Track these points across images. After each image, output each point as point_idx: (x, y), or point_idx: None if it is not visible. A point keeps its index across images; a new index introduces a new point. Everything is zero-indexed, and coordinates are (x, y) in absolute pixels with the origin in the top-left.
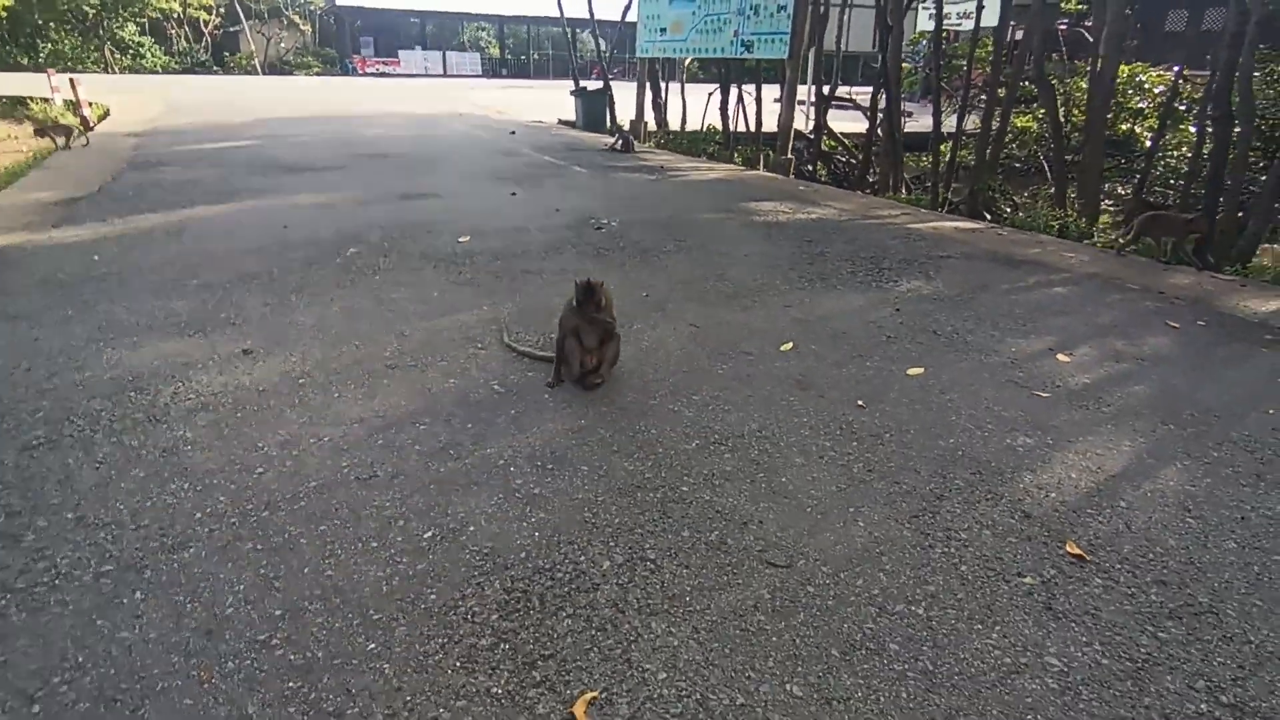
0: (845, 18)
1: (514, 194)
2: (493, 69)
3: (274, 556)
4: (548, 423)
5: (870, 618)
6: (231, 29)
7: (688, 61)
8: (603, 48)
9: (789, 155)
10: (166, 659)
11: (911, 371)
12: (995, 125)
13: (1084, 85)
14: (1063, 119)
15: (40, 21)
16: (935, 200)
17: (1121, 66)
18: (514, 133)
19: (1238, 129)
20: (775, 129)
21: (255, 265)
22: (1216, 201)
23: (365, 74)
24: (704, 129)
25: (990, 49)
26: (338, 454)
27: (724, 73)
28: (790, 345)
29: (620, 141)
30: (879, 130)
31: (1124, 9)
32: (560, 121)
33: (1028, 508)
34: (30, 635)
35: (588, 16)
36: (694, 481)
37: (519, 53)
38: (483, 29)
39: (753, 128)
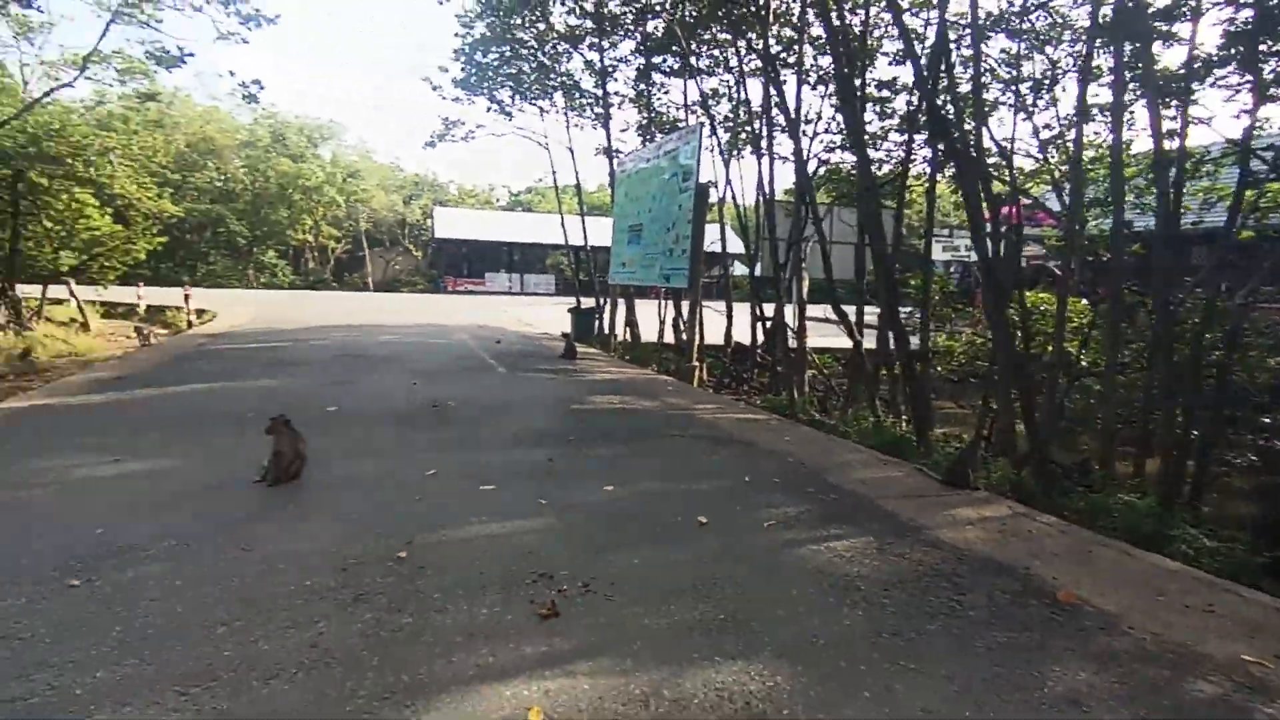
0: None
1: (414, 385)
2: (564, 288)
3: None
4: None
5: None
6: (357, 253)
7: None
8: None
9: (693, 364)
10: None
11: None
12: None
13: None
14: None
15: (204, 249)
16: (790, 404)
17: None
18: (499, 341)
19: None
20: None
21: (179, 423)
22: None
23: (454, 291)
24: (660, 340)
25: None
26: (136, 492)
27: (676, 294)
28: (433, 472)
29: (564, 350)
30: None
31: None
32: (562, 334)
33: None
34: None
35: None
36: None
37: (590, 274)
38: (563, 255)
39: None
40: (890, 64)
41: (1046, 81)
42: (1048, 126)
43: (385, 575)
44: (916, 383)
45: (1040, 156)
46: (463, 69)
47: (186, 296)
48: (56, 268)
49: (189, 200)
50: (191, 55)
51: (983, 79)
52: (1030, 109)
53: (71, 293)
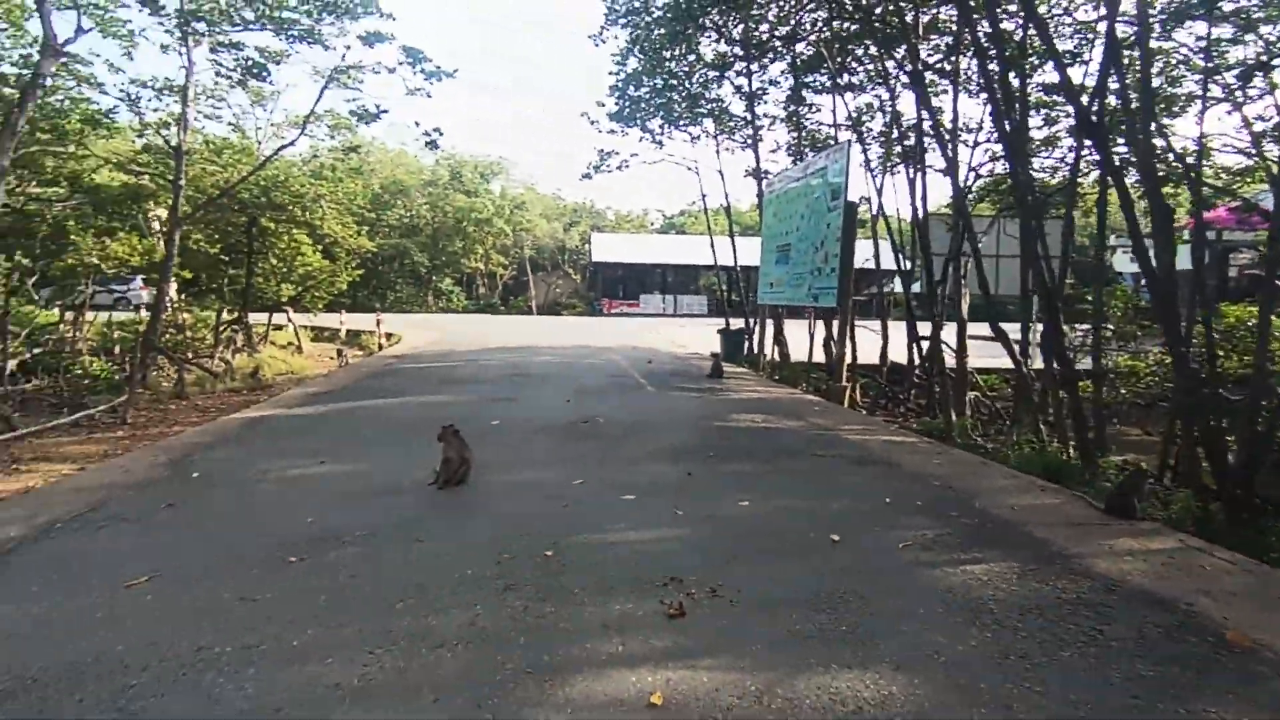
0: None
1: (568, 402)
2: (717, 308)
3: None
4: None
5: None
6: (522, 278)
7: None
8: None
9: (843, 384)
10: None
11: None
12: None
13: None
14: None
15: (392, 279)
16: (947, 426)
17: None
18: (650, 361)
19: None
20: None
21: (369, 432)
22: None
23: (610, 313)
24: (810, 360)
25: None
26: (337, 489)
27: (827, 313)
28: (580, 482)
29: (712, 369)
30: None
31: None
32: (712, 354)
33: None
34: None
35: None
36: None
37: (740, 294)
38: (714, 276)
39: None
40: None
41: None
42: (1260, 118)
43: (534, 570)
44: (1080, 405)
45: (1254, 152)
46: (617, 103)
47: (378, 322)
48: (278, 298)
49: (381, 235)
50: (386, 111)
51: (1173, 72)
52: (1238, 99)
53: (289, 319)
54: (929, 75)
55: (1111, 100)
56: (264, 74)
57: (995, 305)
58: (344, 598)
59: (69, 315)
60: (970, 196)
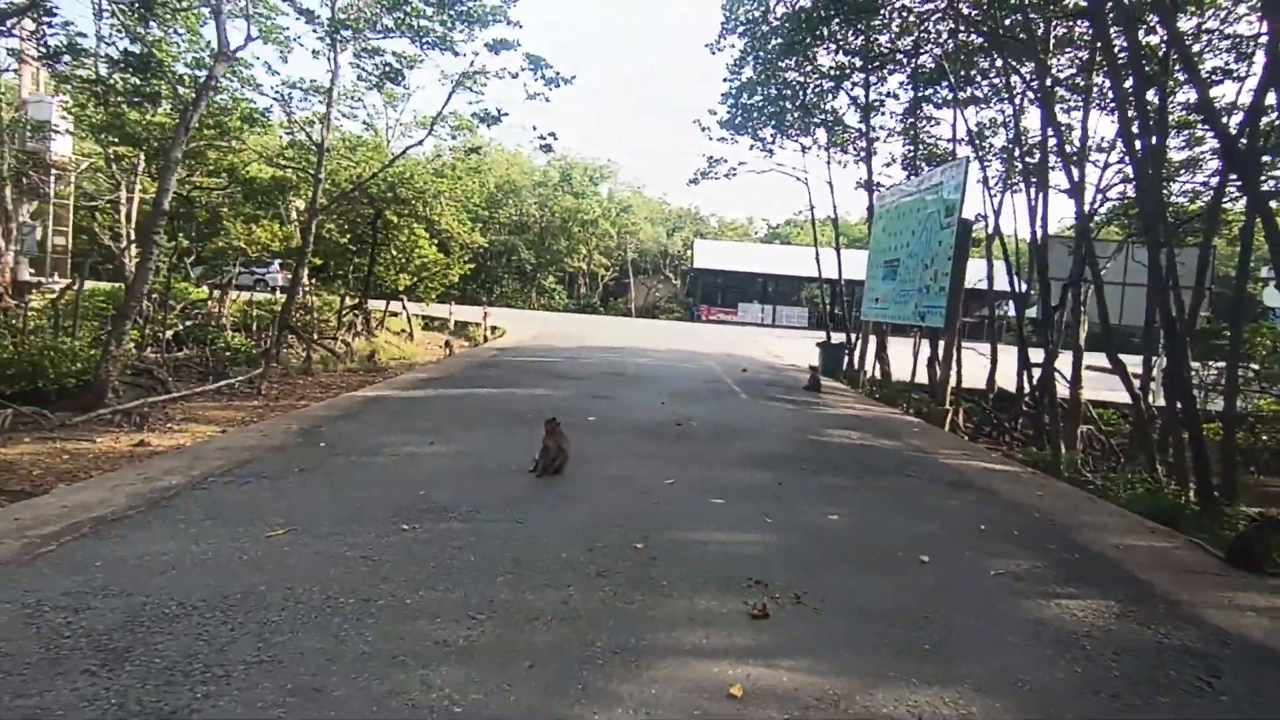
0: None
1: (663, 403)
2: (818, 321)
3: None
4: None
5: None
6: (623, 280)
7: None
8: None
9: (945, 407)
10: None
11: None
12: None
13: None
14: None
15: (499, 274)
16: (1055, 458)
17: None
18: (745, 370)
19: None
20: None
21: (475, 418)
22: None
23: (707, 320)
24: (912, 379)
25: None
26: (445, 468)
27: (932, 333)
28: (671, 481)
29: (809, 382)
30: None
31: None
32: (809, 367)
33: None
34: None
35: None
36: None
37: (843, 308)
38: (819, 288)
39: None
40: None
41: None
42: None
43: (624, 560)
44: (1203, 448)
45: None
46: (729, 111)
47: (485, 314)
48: (395, 287)
49: (492, 232)
50: (506, 114)
51: None
52: None
53: (404, 307)
54: (1059, 90)
55: (1271, 117)
56: (399, 78)
57: (1116, 336)
58: (451, 566)
59: (215, 293)
60: (1096, 219)
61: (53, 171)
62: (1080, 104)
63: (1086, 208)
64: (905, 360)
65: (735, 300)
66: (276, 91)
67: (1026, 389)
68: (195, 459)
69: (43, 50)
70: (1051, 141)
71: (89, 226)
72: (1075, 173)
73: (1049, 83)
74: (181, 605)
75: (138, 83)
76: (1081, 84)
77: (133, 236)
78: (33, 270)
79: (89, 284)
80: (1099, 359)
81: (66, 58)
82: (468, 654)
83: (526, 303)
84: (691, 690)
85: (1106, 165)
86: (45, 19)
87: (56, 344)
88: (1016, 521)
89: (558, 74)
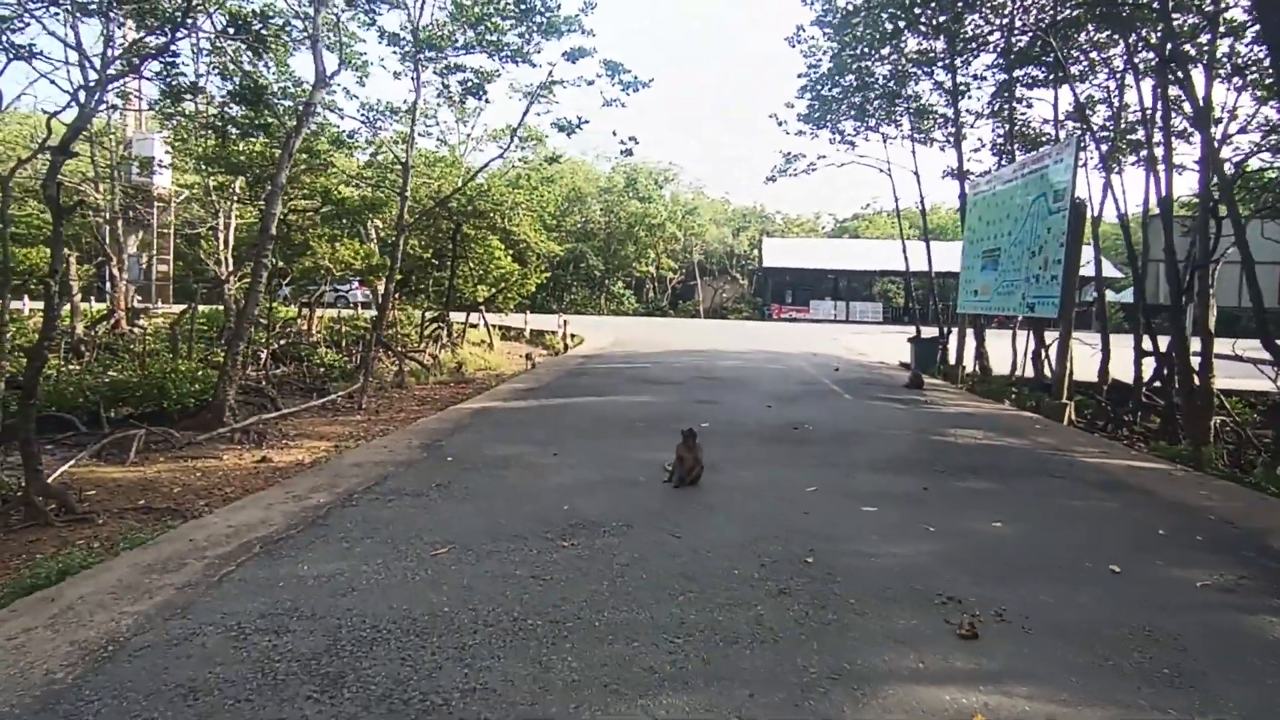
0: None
1: (769, 407)
2: (894, 316)
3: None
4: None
5: None
6: (690, 283)
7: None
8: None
9: (1063, 401)
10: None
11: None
12: None
13: None
14: None
15: (569, 281)
16: (1196, 453)
17: None
18: (837, 369)
19: None
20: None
21: (587, 427)
22: None
23: (779, 319)
24: (1013, 374)
25: None
26: (576, 478)
27: (1036, 324)
28: (813, 489)
29: (910, 379)
30: None
31: None
32: (901, 363)
33: None
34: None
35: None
36: None
37: (924, 301)
38: (892, 281)
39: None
40: None
41: None
42: None
43: (799, 576)
44: None
45: None
46: (808, 105)
47: (564, 322)
48: (475, 298)
49: (560, 240)
50: (588, 122)
51: None
52: None
53: (483, 318)
54: (1187, 49)
55: None
56: (480, 93)
57: (1265, 318)
58: (623, 584)
59: (304, 311)
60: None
61: (156, 204)
62: (1201, 71)
63: (1213, 180)
64: (1003, 353)
65: (806, 298)
66: (361, 114)
67: (1146, 379)
68: (335, 476)
69: (164, 89)
70: (1173, 113)
71: (188, 253)
72: (1203, 145)
73: (1167, 52)
74: (375, 628)
75: (252, 115)
76: (1204, 49)
77: (230, 262)
78: (139, 297)
79: None
80: (1221, 346)
81: (187, 96)
82: (681, 681)
83: (596, 309)
84: (932, 718)
85: (1227, 137)
86: (170, 59)
87: (176, 366)
88: (1193, 525)
89: (635, 78)
